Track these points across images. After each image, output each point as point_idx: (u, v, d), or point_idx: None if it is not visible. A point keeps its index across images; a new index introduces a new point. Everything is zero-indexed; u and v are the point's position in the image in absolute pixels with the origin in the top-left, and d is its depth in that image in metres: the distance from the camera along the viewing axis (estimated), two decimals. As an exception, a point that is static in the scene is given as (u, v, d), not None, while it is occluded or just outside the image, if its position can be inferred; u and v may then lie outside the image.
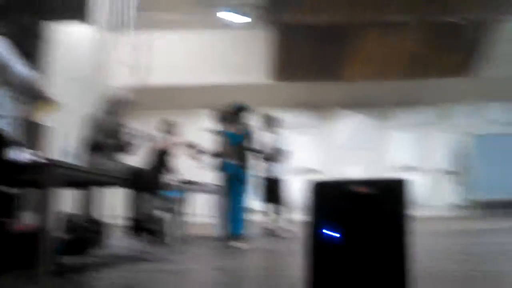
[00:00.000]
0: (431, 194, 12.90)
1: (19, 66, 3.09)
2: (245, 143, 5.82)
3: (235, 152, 5.75)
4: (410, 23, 11.57)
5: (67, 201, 5.92)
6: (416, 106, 13.45)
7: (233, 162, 5.75)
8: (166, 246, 6.01)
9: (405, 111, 13.55)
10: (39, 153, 3.67)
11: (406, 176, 2.61)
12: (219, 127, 6.07)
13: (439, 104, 13.53)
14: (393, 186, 2.27)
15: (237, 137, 5.85)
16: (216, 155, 6.03)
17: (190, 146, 6.54)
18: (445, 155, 13.33)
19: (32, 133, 7.02)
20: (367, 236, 2.19)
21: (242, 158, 5.78)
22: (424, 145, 13.40)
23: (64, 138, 8.54)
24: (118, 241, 4.59)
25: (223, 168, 5.83)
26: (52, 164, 3.28)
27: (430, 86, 12.70)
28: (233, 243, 5.61)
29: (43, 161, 3.58)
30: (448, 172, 13.27)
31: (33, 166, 3.38)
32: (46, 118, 3.34)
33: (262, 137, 7.34)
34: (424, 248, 4.57)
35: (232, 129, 5.89)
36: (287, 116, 12.32)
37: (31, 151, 3.61)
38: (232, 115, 5.94)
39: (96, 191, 4.75)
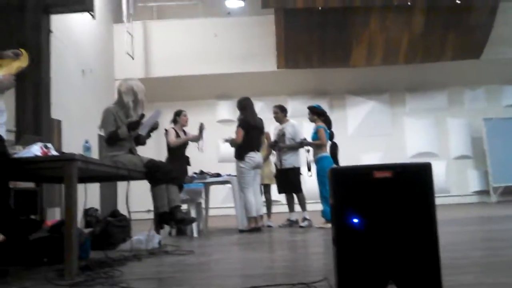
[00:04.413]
0: (449, 180, 12.78)
1: None
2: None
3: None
4: (416, 6, 11.40)
5: (92, 196, 5.99)
6: (427, 90, 13.27)
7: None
8: (190, 238, 6.07)
9: (416, 96, 13.37)
10: (51, 146, 3.68)
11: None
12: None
13: (450, 88, 13.35)
14: (417, 171, 2.25)
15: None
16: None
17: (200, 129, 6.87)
18: (461, 140, 13.17)
19: (42, 127, 7.08)
20: (393, 222, 2.16)
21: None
22: (438, 130, 13.24)
23: (75, 131, 8.63)
24: (144, 234, 4.63)
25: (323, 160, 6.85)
26: (72, 158, 3.28)
27: (440, 70, 12.51)
28: (324, 225, 6.53)
29: (56, 154, 3.60)
30: (465, 158, 13.14)
31: (49, 160, 3.40)
32: (19, 72, 3.31)
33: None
34: (447, 236, 4.54)
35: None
36: (295, 104, 12.22)
37: (42, 144, 3.61)
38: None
39: (120, 185, 4.77)
